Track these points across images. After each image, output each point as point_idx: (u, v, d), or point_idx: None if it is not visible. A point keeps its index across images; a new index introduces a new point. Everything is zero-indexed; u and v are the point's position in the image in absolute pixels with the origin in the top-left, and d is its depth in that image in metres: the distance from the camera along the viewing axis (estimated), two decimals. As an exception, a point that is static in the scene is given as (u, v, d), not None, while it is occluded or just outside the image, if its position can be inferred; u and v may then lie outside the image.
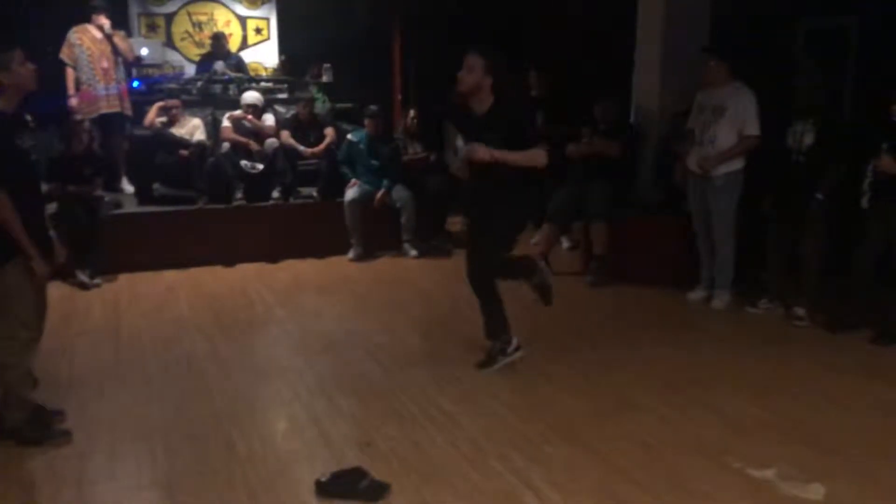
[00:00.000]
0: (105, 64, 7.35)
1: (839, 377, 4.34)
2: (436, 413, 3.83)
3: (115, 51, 7.40)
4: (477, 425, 3.69)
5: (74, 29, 7.32)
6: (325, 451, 3.45)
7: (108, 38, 7.36)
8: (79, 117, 6.91)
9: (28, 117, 3.67)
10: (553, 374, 4.38)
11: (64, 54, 7.28)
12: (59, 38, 7.27)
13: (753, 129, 5.28)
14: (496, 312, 4.41)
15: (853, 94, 6.41)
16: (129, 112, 7.59)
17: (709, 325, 5.33)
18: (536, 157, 4.15)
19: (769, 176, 5.34)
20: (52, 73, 6.90)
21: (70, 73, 7.30)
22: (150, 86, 8.27)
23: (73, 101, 7.27)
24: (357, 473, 3.14)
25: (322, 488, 3.08)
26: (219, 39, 8.98)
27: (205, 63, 8.84)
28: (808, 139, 5.08)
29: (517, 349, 4.43)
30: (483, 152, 4.05)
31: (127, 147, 7.62)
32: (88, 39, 7.33)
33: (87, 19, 7.34)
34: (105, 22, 7.35)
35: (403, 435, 3.59)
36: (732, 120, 5.30)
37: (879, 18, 6.14)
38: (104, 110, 7.35)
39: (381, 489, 3.08)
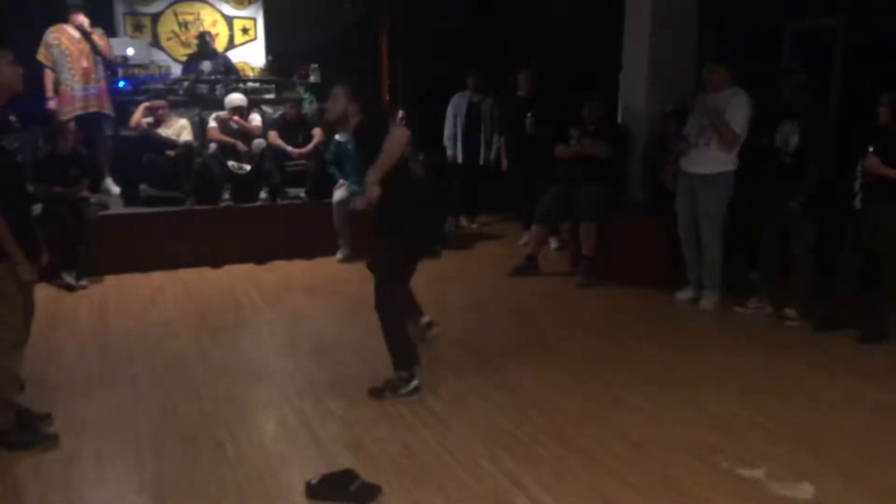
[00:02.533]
0: (85, 63, 7.26)
1: (828, 377, 4.37)
2: (426, 414, 3.83)
3: (95, 50, 7.31)
4: (467, 426, 3.69)
5: (51, 29, 7.20)
6: (315, 454, 3.44)
7: (87, 36, 7.25)
8: (63, 117, 6.86)
9: (12, 118, 3.64)
10: (543, 374, 4.38)
11: (41, 56, 7.16)
12: (35, 40, 7.16)
13: (737, 126, 5.30)
14: (397, 342, 4.09)
15: (840, 95, 6.44)
16: (110, 112, 7.51)
17: (697, 325, 5.36)
18: (395, 138, 3.86)
19: (757, 177, 5.37)
20: (32, 73, 6.86)
21: (48, 74, 7.18)
22: (137, 86, 8.22)
23: (53, 104, 7.17)
24: (347, 476, 3.13)
25: (312, 491, 3.07)
26: (204, 38, 8.93)
27: (191, 63, 8.79)
28: (795, 140, 5.11)
29: (415, 391, 4.03)
30: (361, 203, 3.99)
31: (110, 147, 7.57)
32: (66, 39, 7.23)
33: (64, 19, 7.24)
34: (84, 20, 7.25)
35: (394, 437, 3.59)
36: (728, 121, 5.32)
37: (866, 19, 6.18)
38: (84, 111, 7.27)
39: (371, 491, 3.07)
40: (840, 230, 5.05)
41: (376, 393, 4.07)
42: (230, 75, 8.74)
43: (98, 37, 7.40)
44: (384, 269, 4.07)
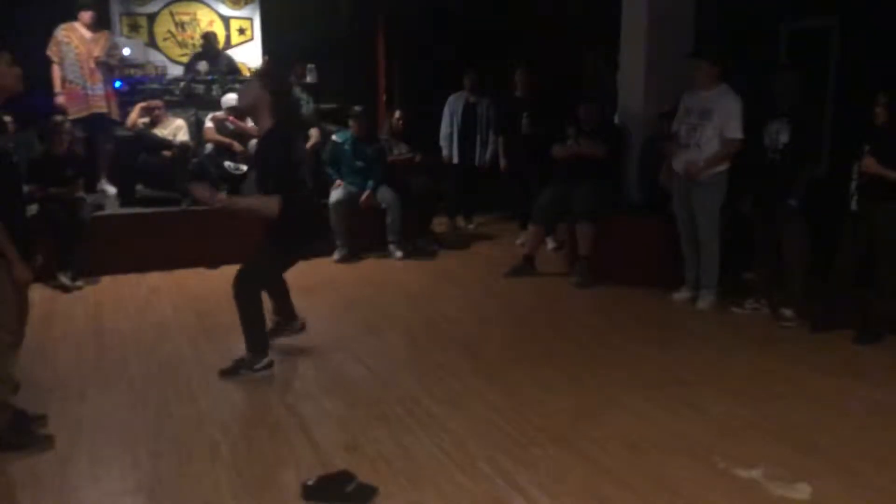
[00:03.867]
0: (92, 64, 7.33)
1: (824, 377, 4.36)
2: (422, 415, 3.82)
3: (106, 65, 7.38)
4: (464, 427, 3.68)
5: (62, 27, 7.27)
6: (311, 455, 3.42)
7: (105, 63, 7.36)
8: (70, 116, 6.89)
9: (7, 119, 3.62)
10: (539, 375, 4.37)
11: (51, 52, 7.24)
12: (45, 37, 7.23)
13: (736, 132, 5.30)
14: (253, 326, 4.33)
15: (835, 95, 6.45)
16: (114, 115, 7.54)
17: (694, 326, 5.35)
18: (268, 205, 4.10)
19: (747, 176, 5.37)
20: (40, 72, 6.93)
21: (56, 70, 7.25)
22: (132, 86, 8.19)
23: (61, 99, 7.23)
24: (344, 477, 3.11)
25: (308, 492, 3.05)
26: (209, 39, 8.90)
27: (194, 63, 8.74)
28: (784, 137, 5.11)
29: (266, 367, 4.32)
30: (204, 195, 4.13)
31: (112, 150, 7.56)
32: (77, 38, 7.29)
33: (73, 17, 7.29)
34: (91, 18, 7.32)
35: (390, 437, 3.57)
36: (718, 123, 5.32)
37: (861, 20, 6.18)
38: (90, 111, 7.31)
39: (368, 492, 3.05)
40: (834, 229, 5.05)
41: (230, 372, 4.26)
42: (232, 75, 8.70)
43: (111, 53, 7.47)
44: (263, 261, 4.38)
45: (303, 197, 4.24)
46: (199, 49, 8.97)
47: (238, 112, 7.39)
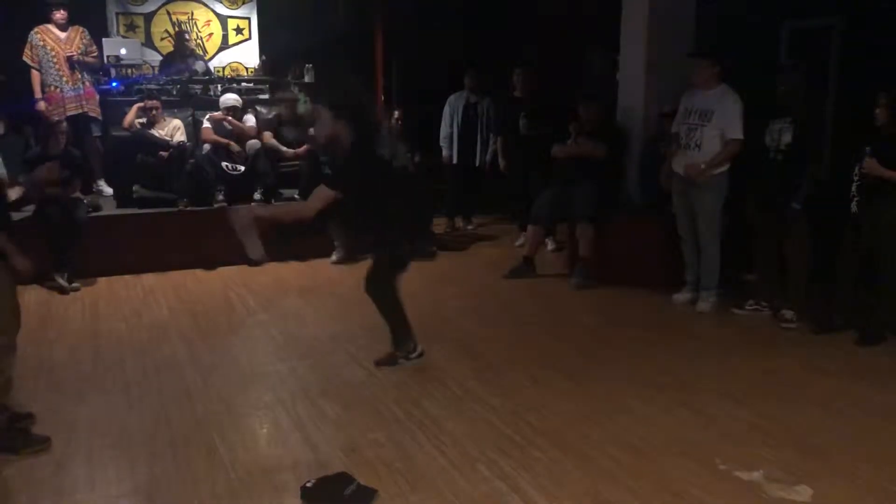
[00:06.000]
0: (67, 64, 7.25)
1: (825, 379, 4.34)
2: (421, 417, 3.79)
3: (82, 63, 7.30)
4: (463, 429, 3.65)
5: (35, 30, 7.19)
6: (310, 457, 3.40)
7: (79, 62, 7.27)
8: (55, 119, 6.82)
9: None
10: (539, 377, 4.35)
11: (26, 57, 7.16)
12: (20, 40, 7.16)
13: (737, 132, 5.28)
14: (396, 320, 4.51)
15: (836, 95, 6.43)
16: (93, 114, 7.47)
17: (695, 327, 5.33)
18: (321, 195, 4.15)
19: (750, 177, 5.35)
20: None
21: (35, 75, 7.17)
22: (129, 86, 8.15)
23: (42, 105, 7.15)
24: (343, 479, 3.10)
25: (307, 494, 3.03)
26: (182, 38, 8.82)
27: (170, 63, 8.66)
28: (787, 137, 5.10)
29: (419, 355, 4.55)
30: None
31: (99, 149, 7.54)
32: (51, 40, 7.21)
33: (46, 19, 7.20)
34: (63, 16, 7.21)
35: (389, 439, 3.55)
36: (718, 124, 5.30)
37: (863, 19, 6.16)
38: (71, 112, 7.23)
39: (367, 495, 3.03)
40: (836, 231, 5.03)
41: (388, 361, 4.47)
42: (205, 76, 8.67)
43: (86, 51, 7.36)
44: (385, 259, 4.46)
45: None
46: (172, 49, 8.88)
47: (235, 112, 7.37)
